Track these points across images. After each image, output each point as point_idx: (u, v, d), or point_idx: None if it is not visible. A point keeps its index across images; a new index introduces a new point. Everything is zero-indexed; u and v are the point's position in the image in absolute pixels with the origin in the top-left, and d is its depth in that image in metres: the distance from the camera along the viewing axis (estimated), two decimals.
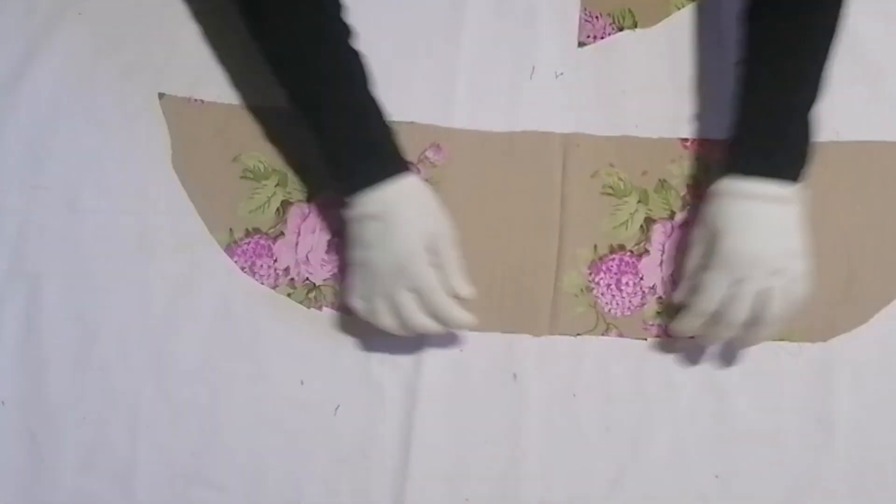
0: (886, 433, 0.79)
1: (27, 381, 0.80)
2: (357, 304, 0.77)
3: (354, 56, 0.79)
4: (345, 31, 0.80)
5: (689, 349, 0.80)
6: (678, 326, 0.78)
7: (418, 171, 0.85)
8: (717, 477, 0.78)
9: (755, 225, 0.74)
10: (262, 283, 0.82)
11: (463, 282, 0.77)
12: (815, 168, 0.79)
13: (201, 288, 0.83)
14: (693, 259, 0.78)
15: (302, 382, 0.80)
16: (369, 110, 0.79)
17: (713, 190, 0.77)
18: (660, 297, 0.81)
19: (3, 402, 0.80)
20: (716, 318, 0.75)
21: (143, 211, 0.84)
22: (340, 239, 0.83)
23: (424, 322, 0.76)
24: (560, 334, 0.81)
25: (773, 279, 0.73)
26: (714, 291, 0.75)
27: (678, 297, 0.79)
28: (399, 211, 0.76)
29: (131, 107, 0.87)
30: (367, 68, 0.79)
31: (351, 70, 0.79)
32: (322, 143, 0.79)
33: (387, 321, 0.76)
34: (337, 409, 0.80)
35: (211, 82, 0.87)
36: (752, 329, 0.75)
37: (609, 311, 0.81)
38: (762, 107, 0.76)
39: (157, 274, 0.83)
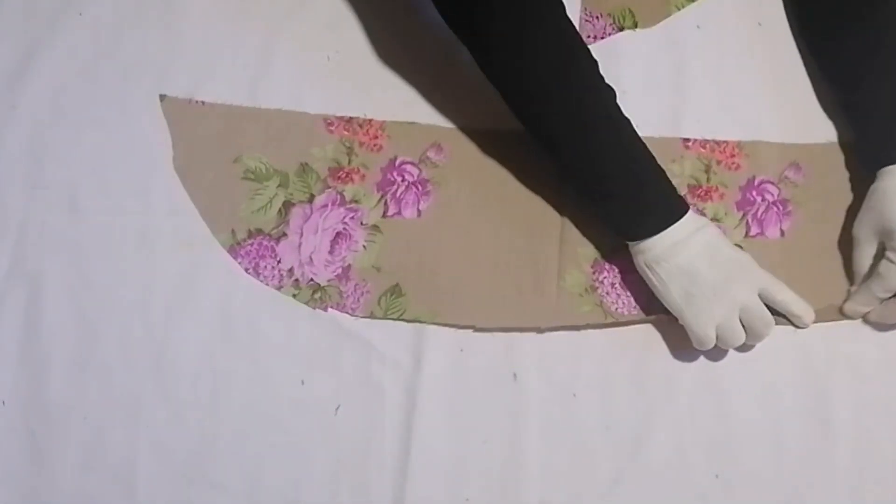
0: (886, 433, 0.79)
1: (27, 381, 0.80)
2: (708, 332, 0.76)
3: (612, 94, 0.78)
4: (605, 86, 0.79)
5: (689, 349, 0.80)
6: (852, 305, 0.79)
7: (419, 171, 0.85)
8: (717, 477, 0.78)
9: None
10: (268, 285, 0.82)
11: None
12: (825, 168, 0.82)
13: (202, 288, 0.83)
14: (865, 258, 0.79)
15: (302, 382, 0.80)
16: (643, 153, 0.78)
17: (888, 185, 0.77)
18: None
19: (3, 402, 0.80)
20: (893, 300, 0.78)
21: (143, 211, 0.84)
22: (342, 240, 0.83)
23: (771, 323, 0.76)
24: (565, 329, 0.81)
25: None
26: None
27: (850, 308, 0.80)
28: (709, 228, 0.77)
29: (132, 107, 0.87)
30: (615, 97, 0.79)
31: (616, 111, 0.78)
32: (606, 199, 0.78)
33: (739, 337, 0.76)
34: (337, 409, 0.80)
35: (212, 83, 0.88)
36: None
37: (616, 309, 0.81)
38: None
39: (158, 274, 0.83)
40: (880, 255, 0.78)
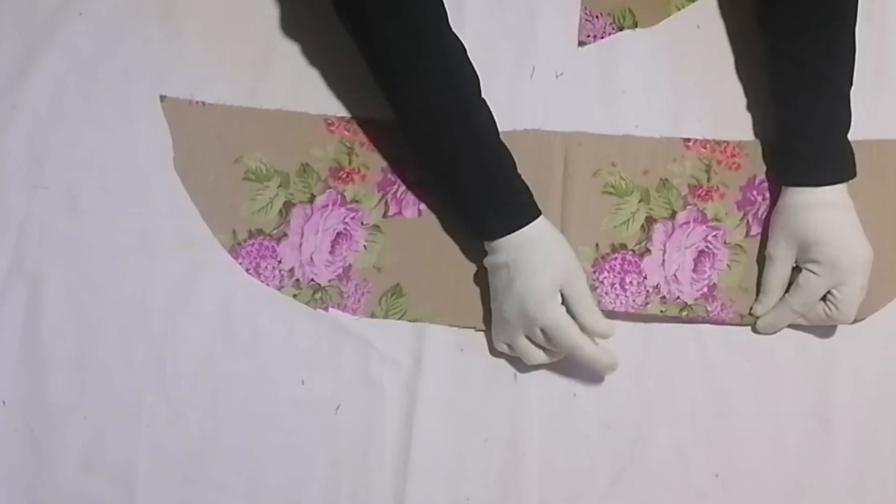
0: (886, 433, 0.79)
1: (28, 381, 0.80)
2: (501, 348, 0.80)
3: (483, 103, 0.80)
4: (473, 76, 0.80)
5: (690, 349, 0.80)
6: (769, 319, 0.80)
7: (420, 171, 0.85)
8: (717, 476, 0.78)
9: (847, 231, 0.78)
10: (268, 285, 0.82)
11: (597, 317, 0.77)
12: None
13: (202, 288, 0.83)
14: (779, 275, 0.80)
15: (302, 382, 0.80)
16: (502, 157, 0.79)
17: (797, 202, 0.79)
18: (663, 297, 0.81)
19: (3, 402, 0.80)
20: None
21: (143, 211, 0.85)
22: (343, 240, 0.83)
23: (540, 356, 0.78)
24: None
25: (864, 282, 0.78)
26: (816, 293, 0.78)
27: (762, 310, 0.81)
28: (526, 258, 0.76)
29: (132, 107, 0.87)
30: (489, 111, 0.80)
31: (486, 117, 0.79)
32: (457, 193, 0.79)
33: (533, 355, 0.78)
34: (337, 409, 0.80)
35: (212, 83, 0.88)
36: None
37: (613, 309, 0.81)
38: (822, 115, 0.79)
39: (158, 274, 0.83)
40: (794, 270, 0.80)
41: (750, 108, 0.87)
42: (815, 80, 0.79)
